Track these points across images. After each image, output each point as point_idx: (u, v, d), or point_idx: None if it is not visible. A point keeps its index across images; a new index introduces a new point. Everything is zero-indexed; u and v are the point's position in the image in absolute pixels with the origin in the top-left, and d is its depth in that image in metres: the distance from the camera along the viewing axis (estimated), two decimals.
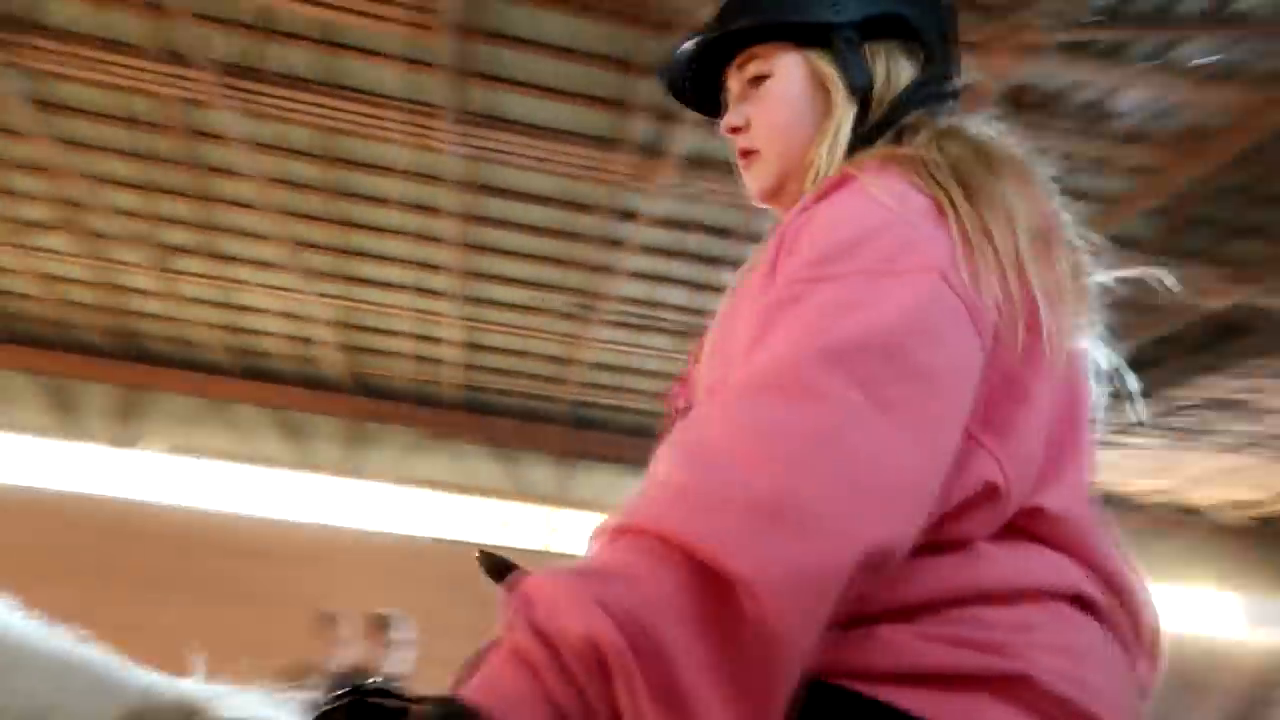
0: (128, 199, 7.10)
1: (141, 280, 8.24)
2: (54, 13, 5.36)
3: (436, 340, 8.93)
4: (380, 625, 3.91)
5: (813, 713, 0.71)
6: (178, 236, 7.58)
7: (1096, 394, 0.95)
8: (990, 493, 0.80)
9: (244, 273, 7.99)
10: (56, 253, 7.87)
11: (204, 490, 9.88)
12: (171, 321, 8.97)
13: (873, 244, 0.79)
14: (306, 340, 9.17)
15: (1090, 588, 0.84)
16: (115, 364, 9.45)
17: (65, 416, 9.52)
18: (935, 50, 1.03)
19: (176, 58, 5.47)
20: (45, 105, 6.11)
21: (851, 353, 0.73)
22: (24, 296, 8.77)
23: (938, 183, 0.85)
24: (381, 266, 7.85)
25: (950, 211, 0.82)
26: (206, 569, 8.29)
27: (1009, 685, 0.75)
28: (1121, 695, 0.82)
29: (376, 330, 8.99)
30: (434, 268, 7.69)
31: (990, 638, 0.77)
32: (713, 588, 0.63)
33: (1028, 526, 0.85)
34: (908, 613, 0.78)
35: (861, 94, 1.01)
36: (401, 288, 8.07)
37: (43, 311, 8.97)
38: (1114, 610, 0.86)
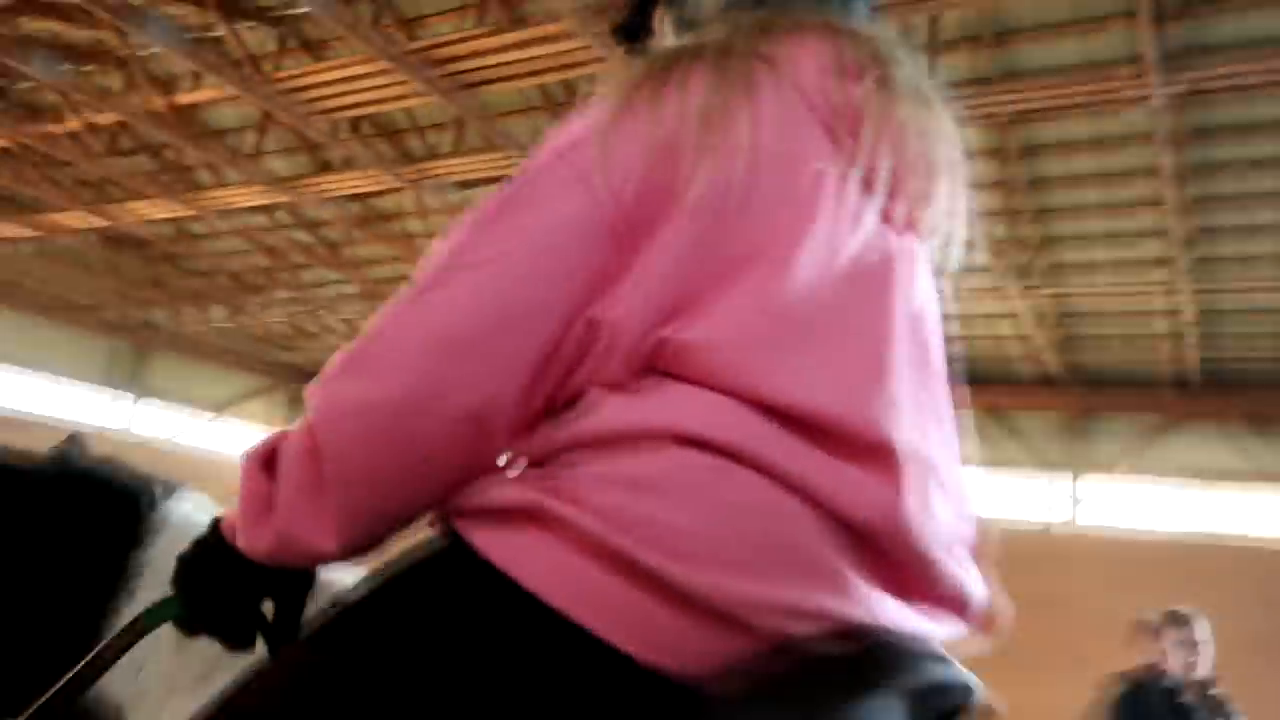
0: None
1: None
2: None
3: (1162, 314, 8.09)
4: (1172, 624, 3.62)
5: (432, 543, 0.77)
6: None
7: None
8: (592, 329, 0.76)
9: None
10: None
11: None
12: None
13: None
14: (1015, 338, 9.09)
15: (725, 422, 0.71)
16: None
17: None
18: None
19: None
20: None
21: (458, 226, 0.80)
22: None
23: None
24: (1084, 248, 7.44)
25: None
26: None
27: (554, 523, 0.69)
28: (735, 541, 0.68)
29: (1088, 315, 8.51)
30: (1150, 235, 7.01)
31: (557, 478, 0.73)
32: (306, 428, 0.79)
33: (659, 363, 0.76)
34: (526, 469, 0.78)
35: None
36: (1113, 265, 7.52)
37: None
38: (780, 445, 0.70)
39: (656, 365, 0.77)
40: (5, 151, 9.12)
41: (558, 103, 6.79)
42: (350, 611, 0.78)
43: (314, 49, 6.88)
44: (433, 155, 7.61)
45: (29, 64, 6.78)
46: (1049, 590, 7.68)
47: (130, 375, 14.06)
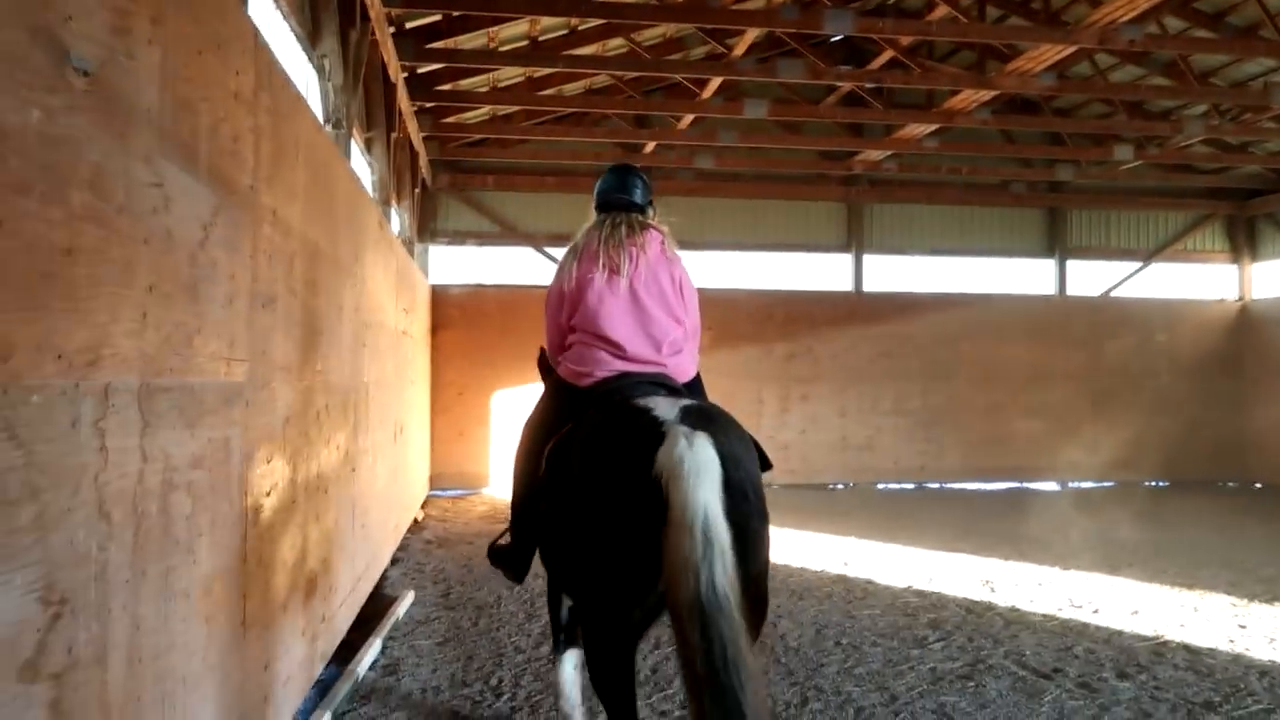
0: None
1: None
2: None
3: None
4: None
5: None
6: None
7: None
8: (565, 322, 3.46)
9: None
10: None
11: None
12: None
13: None
14: None
15: (585, 340, 3.38)
16: None
17: None
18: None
19: None
20: None
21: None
22: None
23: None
24: None
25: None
26: None
27: (563, 366, 3.45)
28: (590, 363, 3.35)
29: None
30: None
31: (566, 356, 3.43)
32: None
33: (572, 329, 3.41)
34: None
35: None
36: None
37: None
38: (595, 340, 3.35)
39: (573, 329, 3.40)
40: (896, 59, 9.91)
41: None
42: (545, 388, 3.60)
43: None
44: None
45: None
46: None
47: (1049, 240, 14.15)
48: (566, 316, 3.38)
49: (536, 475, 3.19)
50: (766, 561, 2.66)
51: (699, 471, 2.27)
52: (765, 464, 2.86)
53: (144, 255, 2.04)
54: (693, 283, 3.51)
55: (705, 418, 2.59)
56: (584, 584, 2.78)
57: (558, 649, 3.72)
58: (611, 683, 2.65)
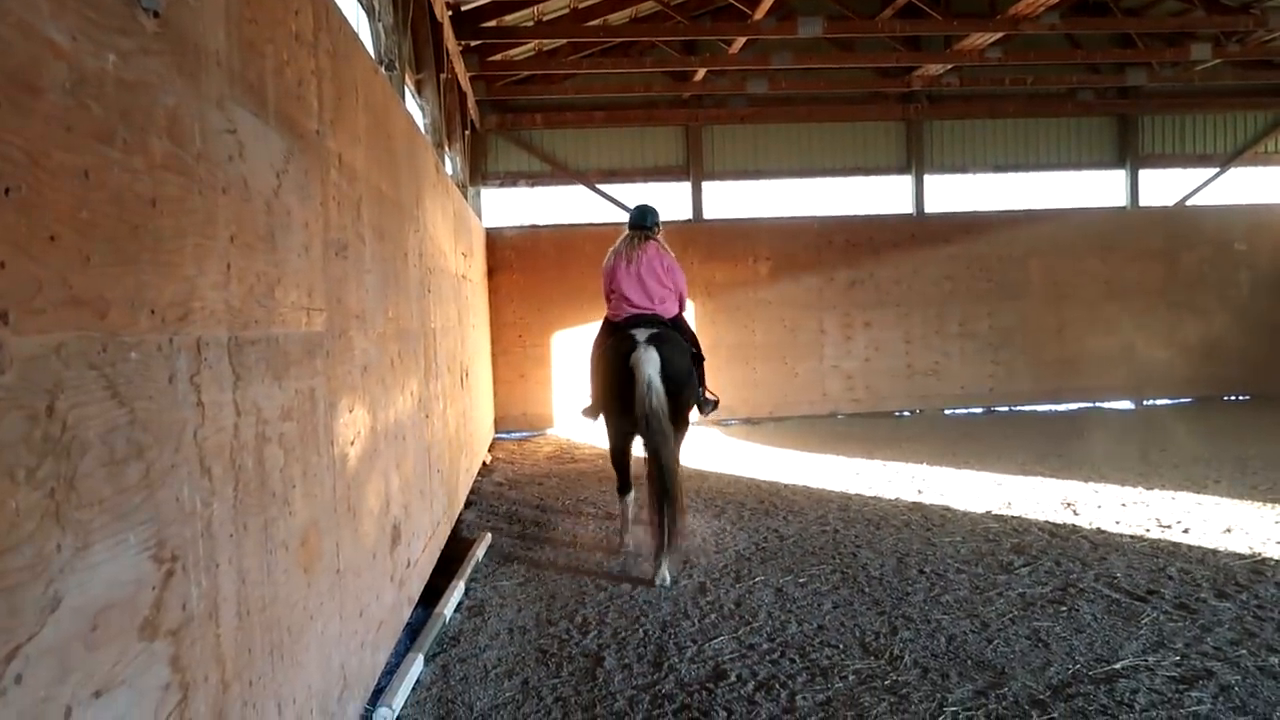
0: None
1: None
2: None
3: None
4: None
5: None
6: None
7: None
8: (608, 289, 5.99)
9: None
10: None
11: None
12: None
13: None
14: None
15: (617, 299, 5.89)
16: None
17: None
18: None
19: None
20: None
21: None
22: None
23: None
24: None
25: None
26: None
27: (610, 311, 6.04)
28: (617, 310, 5.95)
29: None
30: None
31: (609, 304, 6.08)
32: None
33: (611, 293, 5.94)
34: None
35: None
36: None
37: None
38: (623, 300, 5.87)
39: (611, 292, 5.92)
40: None
41: None
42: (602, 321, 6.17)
43: None
44: None
45: None
46: None
47: (1119, 149, 13.54)
48: (606, 285, 6.02)
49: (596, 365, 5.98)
50: (685, 399, 5.54)
51: (648, 363, 5.23)
52: (699, 358, 5.99)
53: (223, 205, 1.98)
54: (677, 265, 6.03)
55: (659, 339, 5.41)
56: (606, 415, 5.80)
57: (623, 491, 6.04)
58: (619, 461, 5.91)
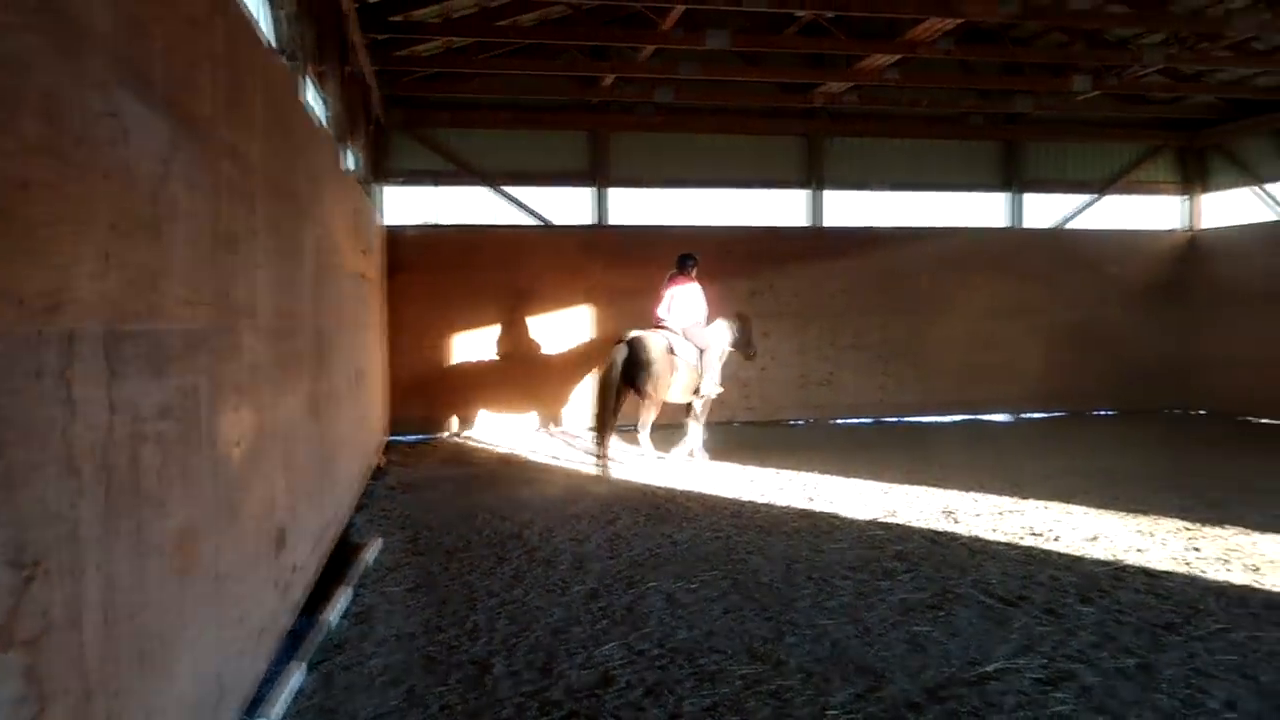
0: None
1: None
2: None
3: None
4: None
5: None
6: None
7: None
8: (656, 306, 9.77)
9: None
10: None
11: None
12: None
13: None
14: None
15: (661, 319, 9.59)
16: None
17: None
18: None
19: None
20: None
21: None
22: None
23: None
24: None
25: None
26: None
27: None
28: (669, 320, 9.61)
29: None
30: None
31: (656, 319, 9.70)
32: None
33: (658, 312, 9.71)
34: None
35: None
36: None
37: None
38: (662, 320, 9.59)
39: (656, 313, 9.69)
40: None
41: None
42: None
43: None
44: None
45: None
46: None
47: (1005, 173, 14.20)
48: (654, 306, 9.26)
49: None
50: (642, 380, 8.97)
51: (620, 354, 8.94)
52: (704, 351, 9.43)
53: (103, 191, 1.89)
54: (700, 294, 9.35)
55: (639, 340, 8.97)
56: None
57: (599, 442, 9.09)
58: (600, 417, 9.07)
